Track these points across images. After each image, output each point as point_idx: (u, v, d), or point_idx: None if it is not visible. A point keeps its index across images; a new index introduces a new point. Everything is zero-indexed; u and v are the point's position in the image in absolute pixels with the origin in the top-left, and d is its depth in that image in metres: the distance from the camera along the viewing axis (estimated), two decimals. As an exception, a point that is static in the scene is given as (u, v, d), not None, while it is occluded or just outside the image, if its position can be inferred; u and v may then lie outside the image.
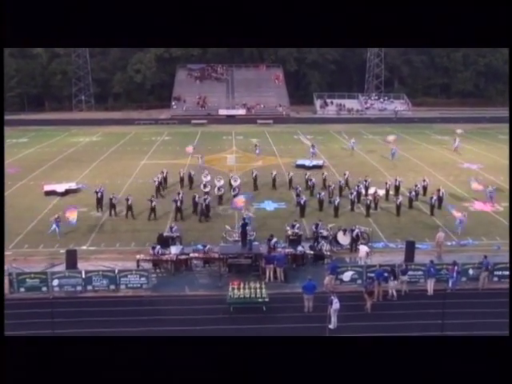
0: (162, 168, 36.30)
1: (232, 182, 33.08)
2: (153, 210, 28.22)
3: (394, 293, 19.26)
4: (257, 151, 45.35)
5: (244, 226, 22.47)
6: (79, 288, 19.99)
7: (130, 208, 28.24)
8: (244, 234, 22.21)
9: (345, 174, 34.45)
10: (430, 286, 19.73)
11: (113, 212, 28.60)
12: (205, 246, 22.29)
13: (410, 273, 20.21)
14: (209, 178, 33.86)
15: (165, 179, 34.58)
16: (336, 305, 16.91)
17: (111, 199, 28.45)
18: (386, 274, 19.43)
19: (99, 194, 29.13)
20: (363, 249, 22.21)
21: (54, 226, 25.11)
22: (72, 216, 25.44)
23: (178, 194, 29.30)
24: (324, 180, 33.98)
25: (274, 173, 35.16)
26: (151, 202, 28.31)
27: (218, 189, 31.27)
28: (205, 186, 31.96)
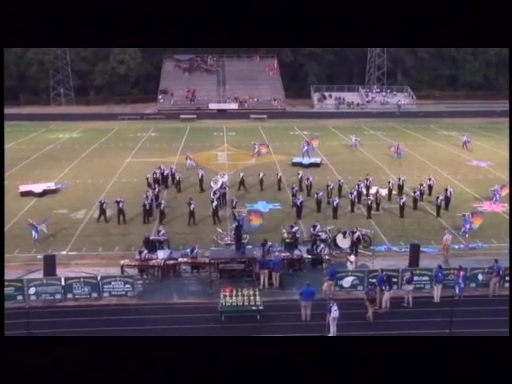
0: (160, 165, 36.33)
1: (213, 185, 32.33)
2: (192, 214, 27.56)
3: (388, 304, 19.03)
4: (256, 149, 44.88)
5: (238, 228, 22.47)
6: (58, 296, 19.90)
7: (162, 213, 27.99)
8: (238, 236, 22.19)
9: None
10: (437, 292, 19.81)
11: (147, 220, 28.01)
12: (192, 251, 22.28)
13: (415, 278, 20.23)
14: (226, 178, 33.72)
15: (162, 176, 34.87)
16: (335, 313, 16.92)
17: (145, 206, 27.97)
18: (385, 278, 19.45)
19: (121, 204, 27.92)
20: (351, 258, 22.04)
21: (34, 232, 24.88)
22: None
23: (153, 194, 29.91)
24: (300, 181, 33.43)
25: (280, 174, 35.31)
26: (189, 204, 27.59)
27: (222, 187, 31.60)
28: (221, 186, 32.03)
